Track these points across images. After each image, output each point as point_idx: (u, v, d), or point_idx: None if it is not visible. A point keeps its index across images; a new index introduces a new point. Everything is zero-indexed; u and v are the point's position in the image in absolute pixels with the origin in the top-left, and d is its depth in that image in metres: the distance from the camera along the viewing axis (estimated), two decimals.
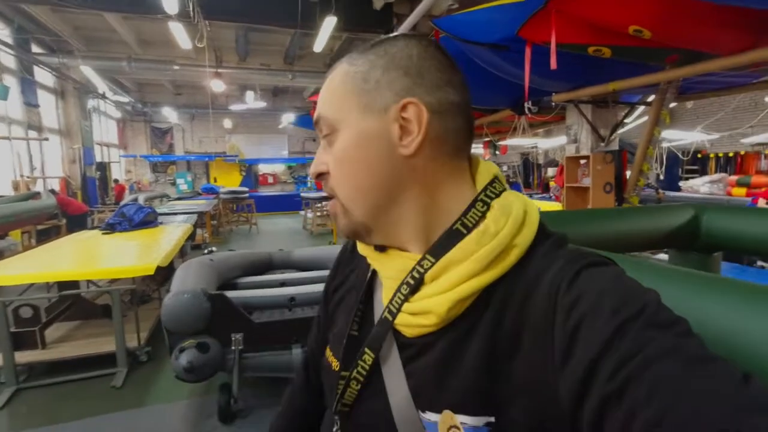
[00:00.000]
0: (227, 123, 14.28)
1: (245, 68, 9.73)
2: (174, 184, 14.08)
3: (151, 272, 2.62)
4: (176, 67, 8.79)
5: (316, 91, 10.79)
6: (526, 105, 4.01)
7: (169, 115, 13.50)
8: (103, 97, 10.77)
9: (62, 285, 3.10)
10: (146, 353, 2.93)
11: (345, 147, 0.45)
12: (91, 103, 10.39)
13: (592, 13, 2.21)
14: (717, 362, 0.30)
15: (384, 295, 0.48)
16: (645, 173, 3.59)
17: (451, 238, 0.43)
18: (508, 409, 0.38)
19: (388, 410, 0.44)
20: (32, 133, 8.09)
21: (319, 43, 7.02)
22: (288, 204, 13.15)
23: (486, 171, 0.48)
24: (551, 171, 9.94)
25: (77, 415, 2.31)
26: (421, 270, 0.43)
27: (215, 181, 13.43)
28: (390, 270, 0.47)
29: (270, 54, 9.94)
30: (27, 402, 2.47)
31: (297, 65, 10.06)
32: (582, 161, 3.83)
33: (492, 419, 0.38)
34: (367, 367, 0.46)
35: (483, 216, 0.44)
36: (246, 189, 10.71)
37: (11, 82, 7.30)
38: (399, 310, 0.44)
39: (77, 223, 6.73)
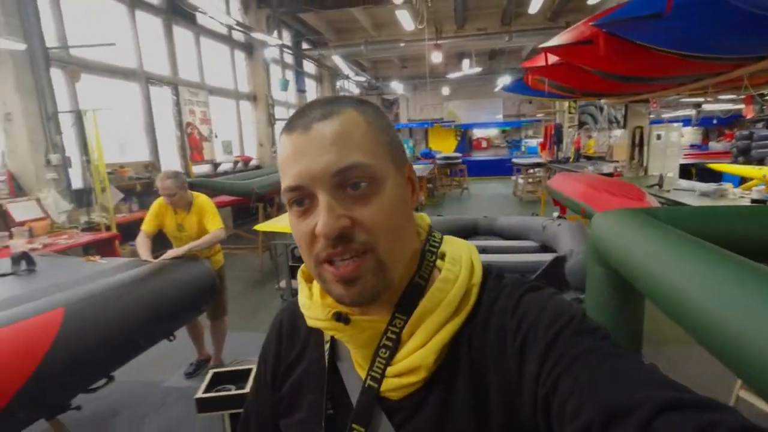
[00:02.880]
0: (445, 90, 14.97)
1: (462, 36, 9.94)
2: None
3: None
4: (402, 44, 9.73)
5: (533, 53, 10.14)
6: None
7: (396, 87, 15.07)
8: (347, 77, 12.91)
9: None
10: None
11: (392, 199, 0.42)
12: (338, 83, 12.65)
13: None
14: (625, 356, 0.35)
15: (357, 365, 0.47)
16: None
17: (415, 291, 0.45)
18: None
19: None
20: None
21: (535, 4, 6.54)
22: (500, 169, 12.93)
23: (423, 222, 0.51)
24: None
25: None
26: (396, 329, 0.44)
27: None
28: (360, 338, 0.45)
29: (487, 17, 9.83)
30: None
31: (514, 25, 9.66)
32: None
33: None
34: None
35: (433, 265, 0.47)
36: (459, 155, 11.21)
37: (289, 75, 9.60)
38: (383, 375, 0.43)
39: None
